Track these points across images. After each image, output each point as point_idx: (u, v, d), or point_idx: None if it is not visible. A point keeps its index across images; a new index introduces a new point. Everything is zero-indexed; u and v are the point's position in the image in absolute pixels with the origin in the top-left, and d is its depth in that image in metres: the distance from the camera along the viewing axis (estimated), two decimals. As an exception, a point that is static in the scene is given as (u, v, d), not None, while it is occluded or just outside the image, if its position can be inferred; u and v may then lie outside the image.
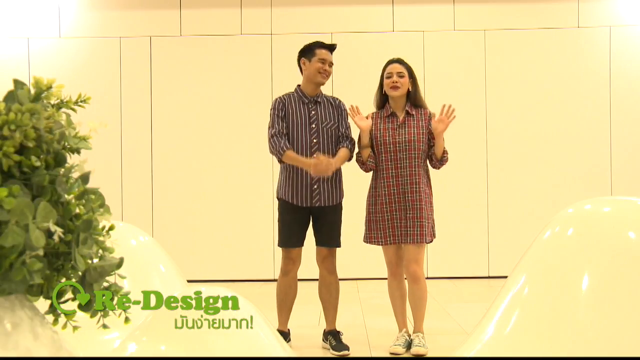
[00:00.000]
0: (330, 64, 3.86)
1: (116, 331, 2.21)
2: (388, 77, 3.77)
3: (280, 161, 3.85)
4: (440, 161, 3.75)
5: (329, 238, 3.85)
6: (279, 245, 3.93)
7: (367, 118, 3.84)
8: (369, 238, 3.82)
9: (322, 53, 3.84)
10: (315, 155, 3.68)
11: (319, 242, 3.88)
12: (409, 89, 3.78)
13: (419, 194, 3.68)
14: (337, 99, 3.98)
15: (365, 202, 3.88)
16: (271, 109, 3.88)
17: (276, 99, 3.92)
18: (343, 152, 3.81)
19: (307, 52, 3.88)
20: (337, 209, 3.89)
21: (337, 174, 3.88)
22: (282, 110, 3.84)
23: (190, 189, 6.59)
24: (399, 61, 3.81)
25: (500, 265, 6.34)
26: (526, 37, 6.58)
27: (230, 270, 6.50)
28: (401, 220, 3.69)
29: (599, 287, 2.21)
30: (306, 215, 3.85)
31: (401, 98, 3.78)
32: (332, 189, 3.83)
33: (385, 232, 3.72)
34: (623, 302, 2.16)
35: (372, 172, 3.84)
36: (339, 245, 3.89)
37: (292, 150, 3.75)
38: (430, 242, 3.78)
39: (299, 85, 3.94)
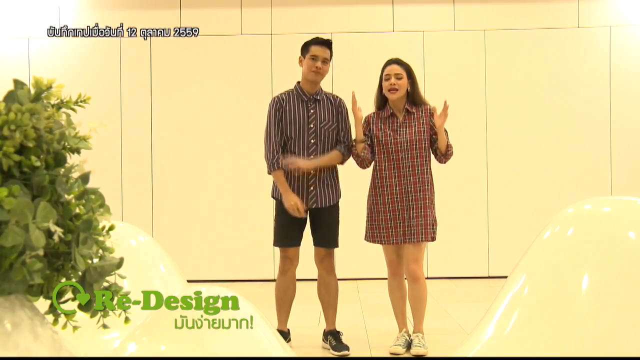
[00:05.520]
0: (325, 61, 3.80)
1: (116, 331, 2.20)
2: (386, 79, 3.75)
3: (268, 172, 3.85)
4: (444, 155, 3.75)
5: (326, 239, 3.84)
6: (274, 245, 3.92)
7: (366, 118, 3.83)
8: (370, 237, 3.82)
9: (313, 50, 3.80)
10: (294, 203, 3.68)
11: (316, 243, 3.87)
12: (407, 89, 3.78)
13: (423, 193, 3.68)
14: (338, 97, 3.95)
15: (364, 201, 3.88)
16: (268, 110, 3.87)
17: (273, 99, 3.89)
18: (334, 153, 3.81)
19: (303, 49, 3.88)
20: (334, 210, 3.87)
21: (334, 174, 3.88)
22: (278, 111, 3.81)
23: (190, 189, 6.59)
24: (397, 62, 3.78)
25: (500, 265, 6.33)
26: (526, 37, 6.58)
27: (230, 270, 6.50)
28: (404, 220, 3.68)
29: (599, 287, 2.21)
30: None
31: (400, 99, 3.77)
32: (328, 189, 3.82)
33: (388, 231, 3.71)
34: (623, 302, 2.16)
35: (372, 172, 3.83)
36: (336, 246, 3.88)
37: (282, 172, 3.76)
38: (432, 240, 3.77)
39: (298, 82, 3.92)
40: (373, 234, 3.79)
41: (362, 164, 3.83)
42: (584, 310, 2.18)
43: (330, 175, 3.84)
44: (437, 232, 3.85)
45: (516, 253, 2.99)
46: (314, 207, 3.79)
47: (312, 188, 3.78)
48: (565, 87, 6.54)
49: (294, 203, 3.69)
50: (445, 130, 3.76)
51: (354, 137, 3.85)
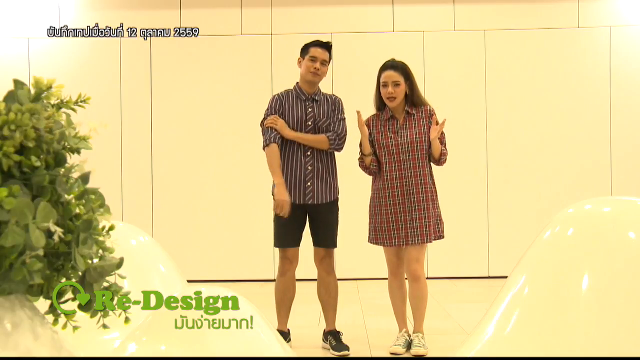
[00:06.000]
0: (323, 62, 3.82)
1: (116, 331, 2.21)
2: (383, 86, 3.74)
3: (263, 148, 3.84)
4: (437, 161, 3.76)
5: (325, 238, 3.84)
6: (275, 245, 3.92)
7: (367, 121, 3.83)
8: (373, 239, 3.81)
9: (313, 51, 3.82)
10: (284, 200, 3.68)
11: (315, 243, 3.87)
12: (406, 92, 3.77)
13: (425, 194, 3.68)
14: (335, 95, 3.98)
15: (367, 203, 3.87)
16: (268, 103, 3.90)
17: (273, 96, 3.93)
18: (320, 136, 3.80)
19: (303, 50, 3.90)
20: (332, 208, 3.87)
21: (331, 170, 3.88)
22: (280, 105, 3.84)
23: (190, 189, 6.58)
24: (394, 66, 3.74)
25: (500, 265, 6.33)
26: (526, 37, 6.58)
27: (230, 270, 6.50)
28: (405, 222, 3.67)
29: (599, 287, 2.21)
30: (302, 214, 3.83)
31: (400, 103, 3.77)
32: (325, 185, 3.82)
33: (390, 233, 3.71)
34: (623, 302, 2.16)
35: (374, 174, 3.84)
36: (335, 246, 3.88)
37: (277, 147, 3.76)
38: (438, 238, 3.77)
39: (297, 83, 3.94)
40: (376, 236, 3.78)
41: (371, 174, 3.85)
42: (584, 310, 2.18)
43: (327, 171, 3.84)
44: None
45: (516, 253, 2.99)
46: (309, 202, 3.79)
47: (309, 183, 3.79)
48: (565, 87, 6.54)
49: (284, 200, 3.69)
50: (443, 133, 3.75)
51: (361, 150, 3.84)
